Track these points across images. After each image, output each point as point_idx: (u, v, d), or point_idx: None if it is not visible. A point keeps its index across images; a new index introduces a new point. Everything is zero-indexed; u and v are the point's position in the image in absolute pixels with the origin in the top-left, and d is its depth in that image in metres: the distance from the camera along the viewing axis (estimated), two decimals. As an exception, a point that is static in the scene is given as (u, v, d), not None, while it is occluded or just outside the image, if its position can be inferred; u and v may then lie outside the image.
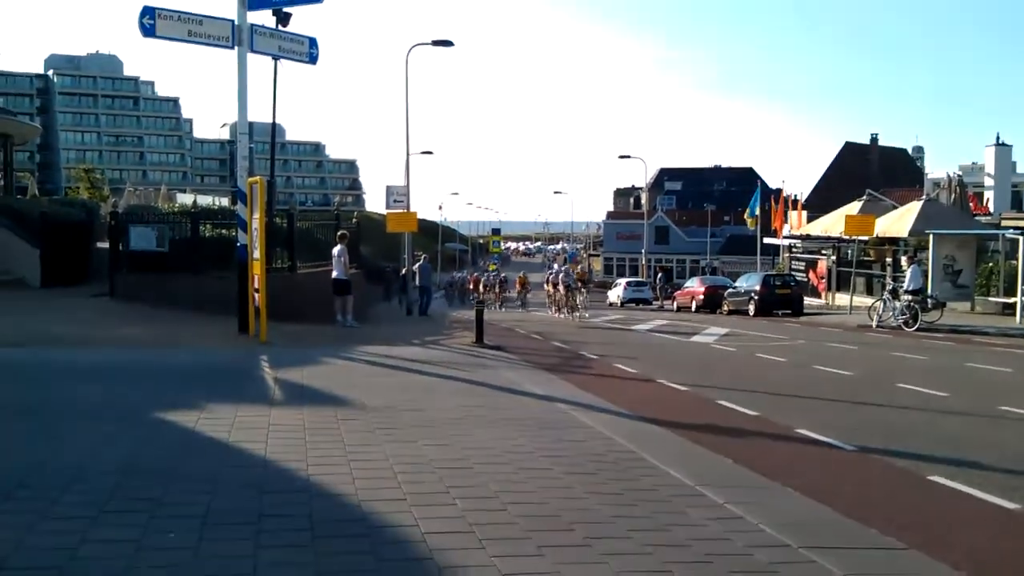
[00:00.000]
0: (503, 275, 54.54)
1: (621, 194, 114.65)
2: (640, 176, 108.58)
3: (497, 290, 48.47)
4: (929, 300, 24.01)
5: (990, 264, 29.07)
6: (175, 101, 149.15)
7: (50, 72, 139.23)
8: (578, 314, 30.19)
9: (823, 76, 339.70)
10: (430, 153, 60.66)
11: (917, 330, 22.45)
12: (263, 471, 6.13)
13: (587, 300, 33.07)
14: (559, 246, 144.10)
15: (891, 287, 25.67)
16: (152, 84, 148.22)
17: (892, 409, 10.39)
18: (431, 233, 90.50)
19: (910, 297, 23.36)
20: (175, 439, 7.11)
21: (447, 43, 30.69)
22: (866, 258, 36.01)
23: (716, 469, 6.80)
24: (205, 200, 39.48)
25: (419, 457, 6.60)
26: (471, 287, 50.30)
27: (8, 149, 34.56)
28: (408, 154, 32.41)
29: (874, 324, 24.32)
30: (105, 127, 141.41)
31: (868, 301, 28.31)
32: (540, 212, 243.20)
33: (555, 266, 41.83)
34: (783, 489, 6.25)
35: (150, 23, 14.15)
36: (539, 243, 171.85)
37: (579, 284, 33.03)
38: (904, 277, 24.73)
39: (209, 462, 6.32)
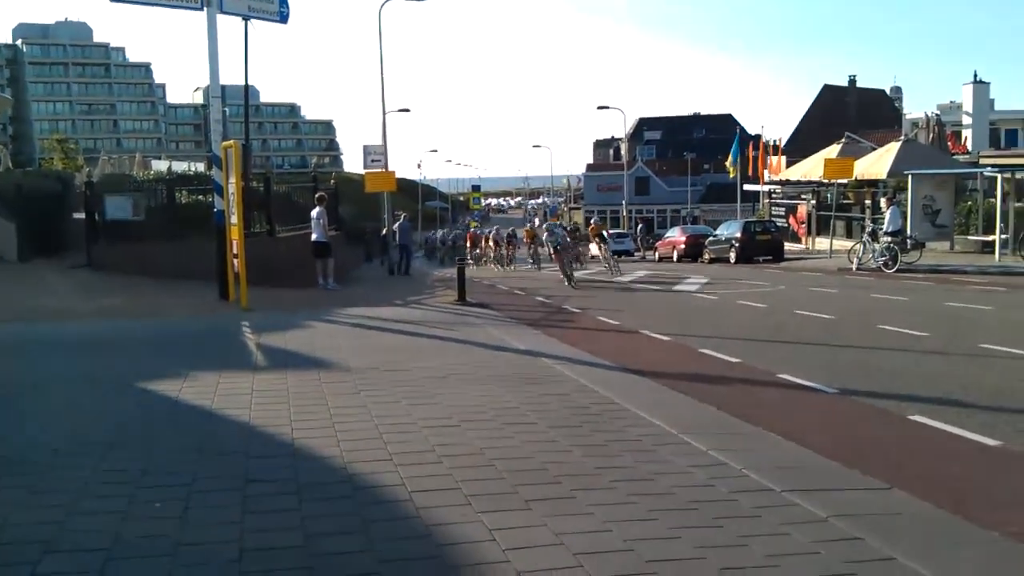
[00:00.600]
0: (512, 229, 47.37)
1: (601, 145, 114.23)
2: (619, 127, 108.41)
3: (507, 247, 40.92)
4: (908, 241, 24.12)
5: (969, 203, 29.23)
6: (147, 67, 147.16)
7: (19, 42, 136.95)
8: (572, 280, 22.94)
9: (800, 19, 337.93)
10: (407, 111, 59.75)
11: (897, 271, 22.57)
12: (248, 436, 6.12)
13: (613, 257, 29.00)
14: (540, 200, 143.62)
15: (871, 229, 25.73)
16: (123, 50, 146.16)
17: (873, 351, 10.47)
18: (411, 192, 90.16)
19: (889, 239, 23.44)
20: (159, 408, 7.09)
21: (419, -4, 30.35)
22: (846, 201, 36.10)
23: (699, 417, 6.86)
24: (181, 166, 38.92)
25: (404, 417, 6.61)
26: (467, 245, 45.48)
27: (-22, 122, 34.04)
28: (384, 112, 32.28)
29: (854, 267, 24.44)
30: (77, 96, 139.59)
31: (848, 244, 28.41)
32: (520, 167, 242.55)
33: (536, 220, 36.12)
34: (766, 434, 6.30)
35: (116, -13, 13.92)
36: (519, 198, 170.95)
37: (597, 239, 30.42)
38: (883, 219, 24.79)
39: (193, 430, 6.31)
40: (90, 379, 8.48)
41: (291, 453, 5.68)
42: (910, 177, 28.74)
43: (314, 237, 19.78)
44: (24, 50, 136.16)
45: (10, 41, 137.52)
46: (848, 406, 7.63)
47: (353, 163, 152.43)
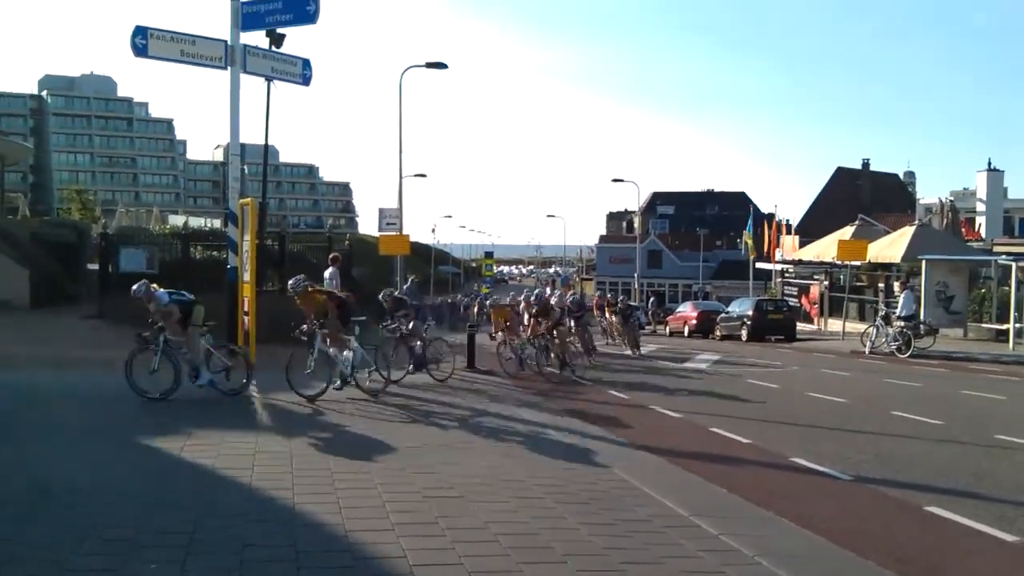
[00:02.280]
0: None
1: (614, 218, 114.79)
2: (633, 200, 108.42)
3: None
4: (922, 326, 23.93)
5: (983, 290, 29.06)
6: (169, 123, 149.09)
7: (44, 93, 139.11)
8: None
9: (815, 102, 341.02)
10: (423, 176, 60.56)
11: (910, 356, 22.37)
12: (248, 499, 6.01)
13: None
14: (552, 269, 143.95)
15: (884, 313, 25.58)
16: (146, 105, 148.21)
17: (887, 437, 10.30)
18: (424, 255, 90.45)
19: (903, 323, 23.28)
20: (159, 465, 6.98)
21: (441, 65, 30.62)
22: (859, 283, 35.98)
23: (710, 499, 6.70)
24: (197, 222, 39.32)
25: (408, 486, 6.49)
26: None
27: (-1, 169, 34.41)
28: (401, 177, 32.41)
29: (867, 350, 24.24)
30: (98, 148, 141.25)
31: (861, 327, 28.21)
32: (533, 235, 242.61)
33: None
34: (778, 519, 6.15)
35: (142, 43, 14.10)
36: (531, 267, 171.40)
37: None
38: (897, 303, 24.66)
39: (193, 490, 6.20)
40: (90, 432, 8.40)
41: (291, 518, 5.56)
42: (924, 262, 28.66)
43: (326, 297, 19.71)
44: (49, 101, 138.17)
45: (35, 92, 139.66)
46: (862, 494, 7.45)
47: (368, 225, 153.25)
